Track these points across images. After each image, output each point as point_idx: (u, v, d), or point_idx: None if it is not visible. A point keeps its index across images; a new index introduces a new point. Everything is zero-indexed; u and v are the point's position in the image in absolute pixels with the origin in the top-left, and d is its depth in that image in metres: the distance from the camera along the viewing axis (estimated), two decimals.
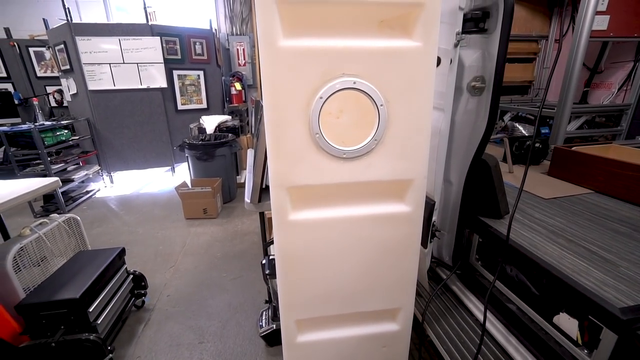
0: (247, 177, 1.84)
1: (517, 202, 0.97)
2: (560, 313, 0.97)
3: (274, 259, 1.54)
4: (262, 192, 1.41)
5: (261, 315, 1.73)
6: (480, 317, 1.19)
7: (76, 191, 3.84)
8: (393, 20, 0.81)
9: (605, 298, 0.84)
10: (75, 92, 4.00)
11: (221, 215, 3.22)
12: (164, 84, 3.99)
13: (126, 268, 1.83)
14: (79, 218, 1.92)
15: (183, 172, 4.65)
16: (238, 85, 4.65)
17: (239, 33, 4.97)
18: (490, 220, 1.27)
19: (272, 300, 1.70)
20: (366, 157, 0.88)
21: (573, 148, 1.75)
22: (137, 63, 3.88)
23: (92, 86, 3.83)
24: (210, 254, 2.46)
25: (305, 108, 0.81)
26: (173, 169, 4.41)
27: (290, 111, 0.81)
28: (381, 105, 0.83)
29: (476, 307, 1.24)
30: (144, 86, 3.95)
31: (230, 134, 3.58)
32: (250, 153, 2.46)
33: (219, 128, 3.83)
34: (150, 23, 3.86)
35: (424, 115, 0.87)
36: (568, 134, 2.08)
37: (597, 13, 1.79)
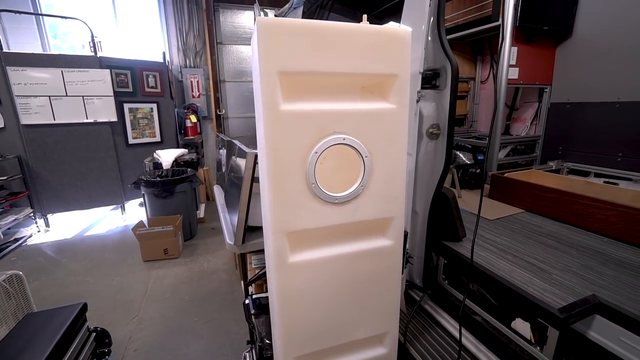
0: (223, 216, 1.85)
1: (476, 228, 1.16)
2: (516, 318, 1.16)
3: (258, 299, 1.56)
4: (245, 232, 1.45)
5: (244, 358, 1.69)
6: (452, 331, 1.35)
7: (1, 240, 3.34)
8: (373, 86, 0.98)
9: (546, 302, 1.05)
10: (2, 126, 3.58)
11: (183, 254, 3.06)
12: (114, 118, 3.78)
13: (88, 326, 1.67)
14: (22, 274, 1.71)
15: (134, 210, 4.33)
16: (193, 118, 4.59)
17: (192, 65, 4.96)
18: (452, 243, 1.47)
19: (255, 341, 1.68)
20: (354, 201, 1.01)
21: (505, 174, 2.10)
22: (83, 96, 3.64)
23: (25, 120, 3.48)
24: (177, 298, 2.33)
25: (303, 162, 0.92)
26: (123, 207, 4.08)
27: (289, 165, 0.91)
28: (366, 156, 0.98)
29: (448, 323, 1.40)
30: (90, 120, 3.70)
31: (189, 169, 3.49)
32: (218, 190, 2.45)
33: (176, 162, 3.71)
34: (98, 55, 3.70)
35: (400, 162, 1.03)
36: (499, 160, 2.48)
37: (511, 66, 2.24)
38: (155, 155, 3.71)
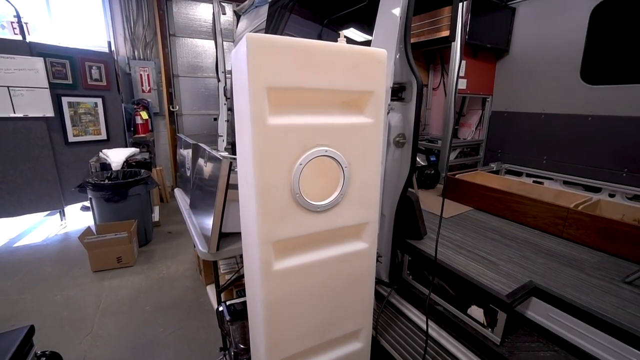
0: (190, 222, 1.79)
1: (439, 229, 1.30)
2: (472, 305, 1.33)
3: (232, 305, 1.55)
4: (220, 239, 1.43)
5: None
6: (417, 321, 1.49)
7: None
8: (352, 102, 1.05)
9: (496, 290, 1.23)
10: None
11: (139, 261, 2.87)
12: (50, 113, 3.36)
13: (36, 352, 1.51)
14: None
15: (76, 215, 3.92)
16: (144, 114, 4.28)
17: (142, 57, 4.60)
18: (415, 241, 1.62)
19: (229, 347, 1.67)
20: (335, 208, 1.07)
21: (456, 176, 2.34)
22: (8, 86, 3.18)
23: None
24: (137, 309, 2.19)
25: (288, 173, 0.96)
26: (63, 213, 3.67)
27: (275, 177, 0.94)
28: (345, 167, 1.05)
29: (413, 314, 1.54)
30: (19, 114, 3.25)
31: (142, 170, 3.26)
32: (180, 193, 2.35)
33: (127, 163, 3.44)
34: (28, 40, 3.24)
35: (375, 171, 1.12)
36: (450, 162, 2.75)
37: (460, 77, 2.49)
38: (102, 154, 3.40)
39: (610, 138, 2.20)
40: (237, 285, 1.90)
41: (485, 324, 1.28)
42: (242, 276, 1.90)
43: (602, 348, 1.08)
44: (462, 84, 2.57)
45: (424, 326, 1.45)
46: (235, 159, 1.46)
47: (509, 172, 2.84)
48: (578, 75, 2.30)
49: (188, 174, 2.09)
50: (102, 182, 2.87)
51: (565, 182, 2.48)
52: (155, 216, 3.65)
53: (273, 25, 2.77)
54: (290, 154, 0.95)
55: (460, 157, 2.95)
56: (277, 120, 0.91)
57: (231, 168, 1.36)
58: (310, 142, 0.97)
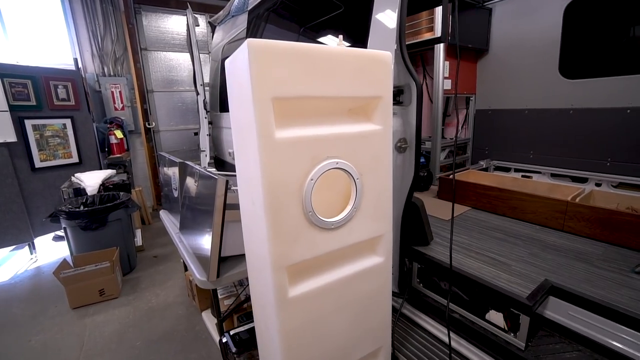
0: (182, 248, 1.66)
1: (451, 235, 1.25)
2: (490, 310, 1.29)
3: (237, 334, 1.43)
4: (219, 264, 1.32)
5: None
6: (433, 331, 1.43)
7: None
8: (359, 109, 0.98)
9: (515, 292, 1.19)
10: None
11: (124, 291, 2.66)
12: (11, 138, 3.09)
13: None
14: None
15: (48, 247, 3.62)
16: (119, 133, 4.04)
17: (112, 74, 4.37)
18: (423, 247, 1.57)
19: None
20: (349, 224, 1.00)
21: (450, 176, 2.33)
22: None
23: None
24: (126, 346, 2.00)
25: (299, 190, 0.87)
26: (32, 245, 3.36)
27: (286, 195, 0.85)
28: (357, 178, 0.98)
29: (429, 324, 1.48)
30: None
31: (122, 192, 3.05)
32: (166, 215, 2.19)
33: (104, 186, 3.21)
34: None
35: (387, 180, 1.06)
36: (441, 162, 2.75)
37: (445, 78, 2.51)
38: (74, 179, 3.15)
39: (593, 129, 2.27)
40: (237, 310, 1.77)
41: (506, 328, 1.23)
42: (244, 301, 1.77)
43: (625, 343, 1.06)
44: (447, 85, 2.59)
45: (442, 337, 1.40)
46: (230, 176, 1.36)
47: (497, 168, 2.88)
48: (557, 71, 2.37)
49: (175, 195, 1.95)
50: (77, 210, 2.64)
51: (553, 175, 2.54)
52: (138, 240, 3.42)
53: (250, 36, 2.69)
54: (300, 169, 0.87)
55: (450, 156, 2.97)
56: (285, 133, 0.83)
57: (227, 187, 1.25)
58: (320, 155, 0.89)
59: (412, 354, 1.37)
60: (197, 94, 3.26)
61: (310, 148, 0.87)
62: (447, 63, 2.50)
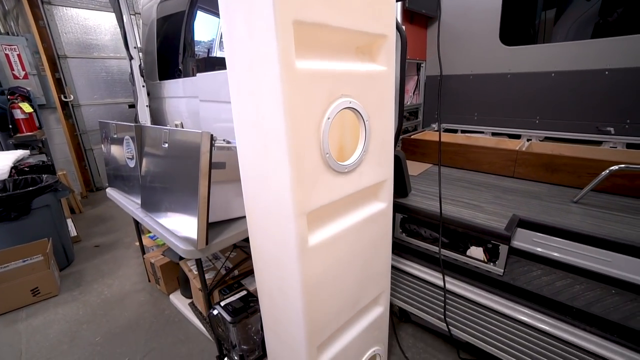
0: (153, 225, 1.47)
1: (440, 186, 1.33)
2: (470, 247, 1.42)
3: (229, 304, 1.35)
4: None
5: None
6: (419, 274, 1.54)
7: None
8: (365, 47, 0.94)
9: (495, 227, 1.33)
10: None
11: (65, 288, 2.28)
12: None
13: None
14: None
15: None
16: (26, 107, 3.30)
17: (3, 31, 3.49)
18: (403, 199, 1.64)
19: (227, 352, 1.46)
20: (359, 168, 0.98)
21: (412, 136, 2.46)
22: None
23: None
24: (83, 344, 1.74)
25: (317, 130, 0.82)
26: None
27: (307, 134, 0.79)
28: (367, 120, 0.95)
29: (414, 269, 1.58)
30: None
31: (45, 175, 2.54)
32: (117, 193, 1.90)
33: (17, 169, 2.63)
34: None
35: (390, 124, 1.06)
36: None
37: None
38: None
39: (525, 91, 2.59)
40: (217, 285, 1.66)
41: (485, 260, 1.38)
42: (230, 271, 1.67)
43: (578, 256, 1.28)
44: None
45: (430, 279, 1.51)
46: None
47: (446, 130, 3.13)
48: (497, 38, 2.61)
49: (132, 165, 1.68)
50: None
51: (494, 134, 2.86)
52: (72, 231, 2.92)
53: None
54: (319, 106, 0.81)
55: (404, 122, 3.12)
56: (303, 64, 0.75)
57: (213, 142, 1.12)
58: (335, 92, 0.84)
59: (405, 297, 1.46)
60: (131, 58, 2.81)
61: (327, 83, 0.81)
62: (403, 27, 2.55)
